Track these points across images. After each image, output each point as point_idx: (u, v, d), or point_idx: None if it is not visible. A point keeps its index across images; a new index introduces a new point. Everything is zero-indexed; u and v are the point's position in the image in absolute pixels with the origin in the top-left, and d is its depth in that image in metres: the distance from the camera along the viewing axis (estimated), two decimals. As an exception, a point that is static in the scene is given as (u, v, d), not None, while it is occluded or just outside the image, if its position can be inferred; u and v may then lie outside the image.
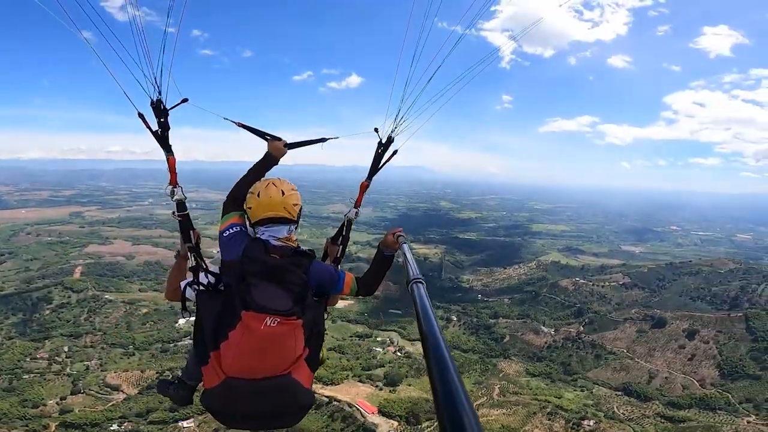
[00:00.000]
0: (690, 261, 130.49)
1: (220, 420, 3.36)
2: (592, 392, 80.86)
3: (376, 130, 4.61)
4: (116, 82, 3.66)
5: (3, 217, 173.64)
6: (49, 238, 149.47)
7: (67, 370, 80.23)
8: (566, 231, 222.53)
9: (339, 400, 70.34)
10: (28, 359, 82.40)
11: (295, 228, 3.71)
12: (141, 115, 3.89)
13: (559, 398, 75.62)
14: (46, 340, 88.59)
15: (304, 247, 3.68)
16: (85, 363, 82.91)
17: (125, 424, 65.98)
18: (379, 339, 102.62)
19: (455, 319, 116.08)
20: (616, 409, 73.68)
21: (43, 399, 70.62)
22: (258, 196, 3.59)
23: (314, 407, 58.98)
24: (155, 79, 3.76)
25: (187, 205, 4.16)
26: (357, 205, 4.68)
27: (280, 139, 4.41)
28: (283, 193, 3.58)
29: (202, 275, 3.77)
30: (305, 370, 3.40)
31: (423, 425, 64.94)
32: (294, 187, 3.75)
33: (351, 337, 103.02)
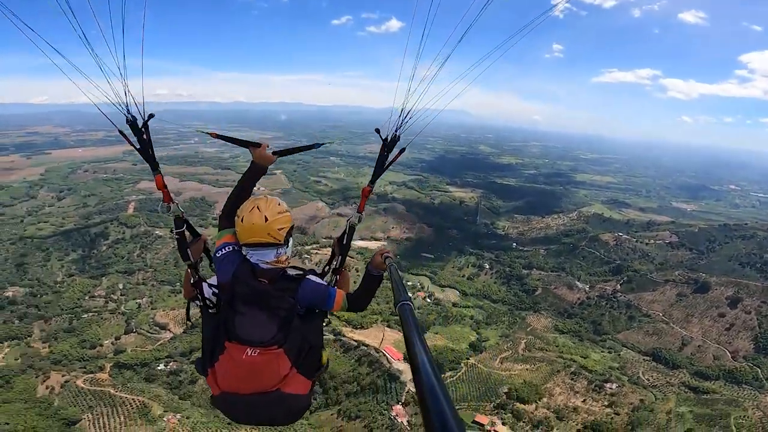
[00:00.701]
0: (745, 223, 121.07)
1: (227, 417, 3.79)
2: (619, 354, 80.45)
3: (377, 130, 4.43)
4: (95, 105, 3.83)
5: (62, 156, 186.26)
6: (105, 175, 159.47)
7: (122, 308, 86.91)
8: (613, 183, 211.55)
9: (367, 345, 73.53)
10: (86, 297, 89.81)
11: (286, 249, 3.69)
12: (122, 132, 3.86)
13: (584, 358, 75.91)
14: (103, 277, 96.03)
15: (292, 271, 3.71)
16: (137, 301, 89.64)
17: (171, 363, 72.15)
18: (410, 283, 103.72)
19: (487, 266, 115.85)
20: (641, 374, 73.29)
21: (99, 339, 77.39)
22: (242, 221, 3.56)
23: (343, 350, 63.10)
24: (125, 100, 3.81)
25: (186, 221, 4.05)
26: (360, 210, 4.65)
27: (260, 146, 4.21)
28: (266, 219, 3.51)
29: (206, 287, 3.80)
30: (298, 380, 3.56)
31: (446, 375, 67.42)
32: (282, 209, 3.65)
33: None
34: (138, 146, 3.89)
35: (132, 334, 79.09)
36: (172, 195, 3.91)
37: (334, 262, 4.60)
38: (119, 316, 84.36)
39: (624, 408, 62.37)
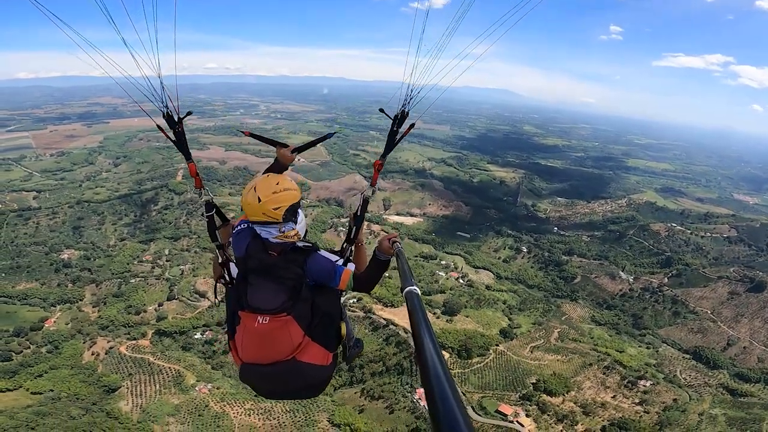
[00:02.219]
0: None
1: (254, 391, 3.95)
2: (657, 351, 77.03)
3: (381, 110, 4.55)
4: (134, 100, 4.16)
5: (119, 126, 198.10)
6: (157, 144, 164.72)
7: (166, 274, 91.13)
8: (669, 170, 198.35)
9: (396, 324, 73.85)
10: (135, 262, 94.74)
11: (291, 225, 3.82)
12: (159, 126, 4.23)
13: (620, 352, 73.12)
14: (151, 242, 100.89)
15: (301, 243, 3.82)
16: (180, 267, 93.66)
17: (207, 332, 75.46)
18: (443, 262, 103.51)
19: (525, 250, 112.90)
20: (678, 373, 70.25)
21: (144, 305, 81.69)
22: (242, 201, 3.81)
23: (372, 328, 64.00)
24: (162, 96, 4.18)
25: (213, 204, 4.35)
26: (373, 183, 4.64)
27: (287, 146, 4.67)
28: (259, 200, 3.65)
29: (233, 266, 4.08)
30: (316, 350, 3.70)
31: (473, 360, 66.98)
32: (277, 189, 3.73)
33: (416, 257, 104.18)
34: (173, 138, 4.21)
35: (174, 300, 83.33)
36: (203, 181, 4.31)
37: (350, 233, 4.63)
38: (163, 282, 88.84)
39: (655, 407, 60.13)
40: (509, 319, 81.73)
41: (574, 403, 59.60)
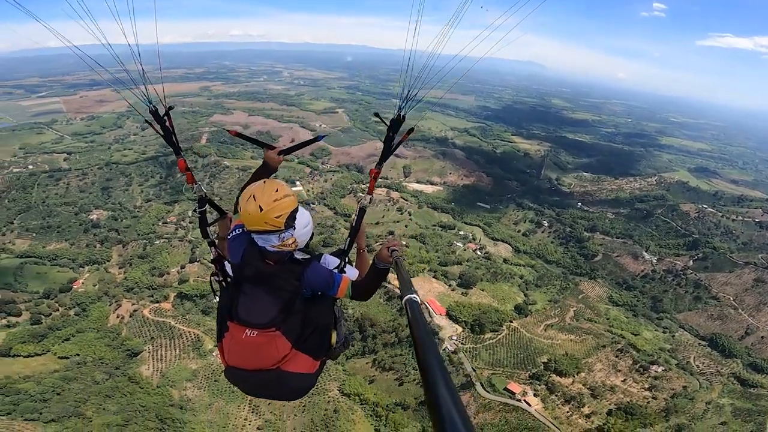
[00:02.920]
0: None
1: (240, 390, 4.01)
2: (674, 336, 75.95)
3: (376, 114, 4.50)
4: (124, 98, 4.44)
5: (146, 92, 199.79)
6: (183, 109, 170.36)
7: (189, 236, 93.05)
8: (704, 150, 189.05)
9: (410, 295, 74.56)
10: (160, 223, 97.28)
11: (290, 232, 3.67)
12: (147, 121, 4.29)
13: (635, 335, 72.45)
14: (176, 204, 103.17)
15: (299, 255, 3.82)
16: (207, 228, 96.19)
17: None
18: (461, 233, 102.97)
19: (546, 224, 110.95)
20: (692, 360, 69.30)
21: (167, 267, 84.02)
22: (241, 210, 3.64)
23: (386, 298, 64.86)
24: (146, 92, 4.32)
25: (210, 201, 4.46)
26: (369, 192, 4.64)
27: (273, 148, 4.53)
28: (261, 209, 3.50)
29: (227, 264, 4.07)
30: (302, 359, 3.71)
31: (486, 336, 67.36)
32: (279, 196, 3.57)
33: (434, 226, 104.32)
34: (161, 132, 4.26)
35: (195, 263, 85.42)
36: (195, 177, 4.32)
37: (344, 245, 4.63)
38: (186, 243, 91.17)
39: (664, 393, 59.89)
40: (525, 295, 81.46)
41: (583, 384, 59.74)
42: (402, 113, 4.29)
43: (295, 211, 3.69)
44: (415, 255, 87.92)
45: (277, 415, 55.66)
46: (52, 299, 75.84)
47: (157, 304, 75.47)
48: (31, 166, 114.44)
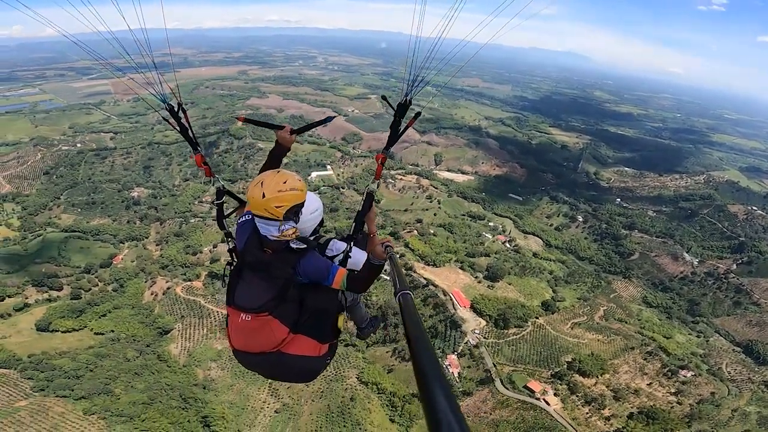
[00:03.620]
0: None
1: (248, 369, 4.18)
2: (708, 341, 72.63)
3: (383, 98, 4.55)
4: (139, 95, 4.74)
5: (188, 74, 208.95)
6: (221, 92, 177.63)
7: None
8: (758, 149, 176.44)
9: (436, 285, 74.08)
10: (196, 202, 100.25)
11: (291, 224, 3.76)
12: (164, 118, 4.51)
13: (667, 338, 69.58)
14: (212, 184, 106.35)
15: (294, 244, 3.80)
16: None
17: None
18: (491, 224, 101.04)
19: (580, 219, 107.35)
20: (723, 366, 66.28)
21: (200, 245, 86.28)
22: (248, 191, 3.80)
23: (412, 287, 65.37)
24: (161, 89, 4.54)
25: (228, 191, 4.69)
26: (377, 177, 4.70)
27: (283, 128, 4.66)
28: (264, 196, 3.64)
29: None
30: (305, 342, 3.83)
31: (510, 331, 66.23)
32: (284, 189, 3.68)
33: (463, 216, 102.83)
34: (178, 128, 4.40)
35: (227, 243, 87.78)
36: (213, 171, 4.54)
37: (350, 230, 4.70)
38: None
39: (690, 398, 57.77)
40: (553, 291, 79.40)
41: (606, 386, 58.19)
42: (408, 98, 4.28)
43: (299, 206, 3.77)
44: (443, 245, 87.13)
45: (295, 399, 57.22)
46: (92, 274, 79.80)
47: (189, 283, 78.04)
48: (79, 144, 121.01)
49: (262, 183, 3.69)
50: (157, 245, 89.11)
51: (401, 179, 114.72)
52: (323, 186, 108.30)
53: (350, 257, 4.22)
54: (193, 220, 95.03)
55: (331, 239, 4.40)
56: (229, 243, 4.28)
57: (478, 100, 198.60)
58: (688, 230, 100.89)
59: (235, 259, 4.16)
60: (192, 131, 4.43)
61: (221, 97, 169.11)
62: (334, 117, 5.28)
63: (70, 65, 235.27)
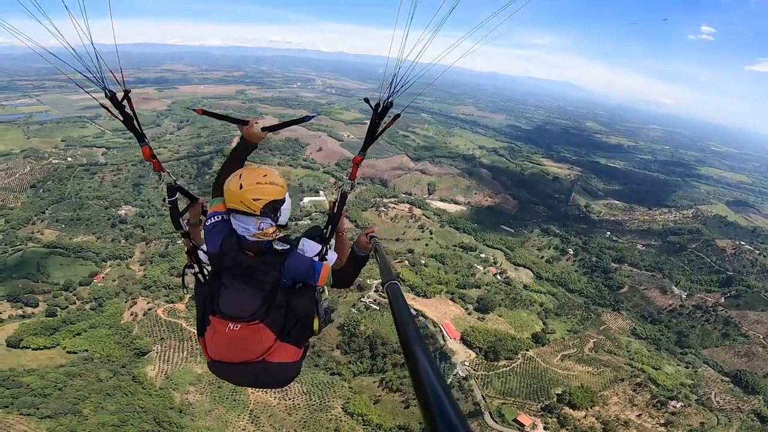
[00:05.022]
0: None
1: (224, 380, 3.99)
2: (696, 371, 72.49)
3: (366, 100, 4.22)
4: (77, 83, 3.94)
5: (187, 92, 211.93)
6: (218, 111, 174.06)
7: None
8: (745, 183, 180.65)
9: (426, 317, 72.97)
10: (184, 223, 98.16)
11: (269, 222, 3.55)
12: (103, 106, 3.91)
13: (656, 369, 69.18)
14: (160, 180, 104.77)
15: (278, 245, 3.62)
16: None
17: None
18: (482, 255, 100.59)
19: (571, 252, 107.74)
20: (712, 396, 66.19)
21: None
22: (225, 185, 3.58)
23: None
24: (101, 75, 3.83)
25: (179, 188, 4.20)
26: (352, 177, 4.37)
27: (247, 123, 4.18)
28: (241, 187, 3.45)
29: (201, 254, 3.86)
30: (286, 349, 3.64)
31: (500, 363, 65.19)
32: (262, 181, 3.49)
33: (455, 246, 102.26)
34: (121, 118, 3.85)
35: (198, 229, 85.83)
36: (162, 164, 4.04)
37: (326, 231, 4.43)
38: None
39: (680, 429, 57.58)
40: (543, 324, 78.77)
41: (596, 418, 57.34)
42: (390, 99, 4.10)
43: (279, 202, 3.58)
44: (434, 275, 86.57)
45: (277, 429, 54.91)
46: (70, 292, 77.35)
47: (171, 304, 75.90)
48: (69, 158, 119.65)
49: (240, 175, 3.54)
50: (141, 265, 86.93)
51: (394, 208, 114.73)
52: (315, 212, 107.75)
53: (326, 259, 3.89)
54: (180, 241, 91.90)
55: (300, 238, 4.02)
56: (187, 244, 4.03)
57: (472, 128, 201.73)
58: (677, 264, 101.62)
59: (198, 262, 3.90)
60: (138, 121, 3.94)
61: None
62: (314, 117, 4.92)
63: (70, 76, 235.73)
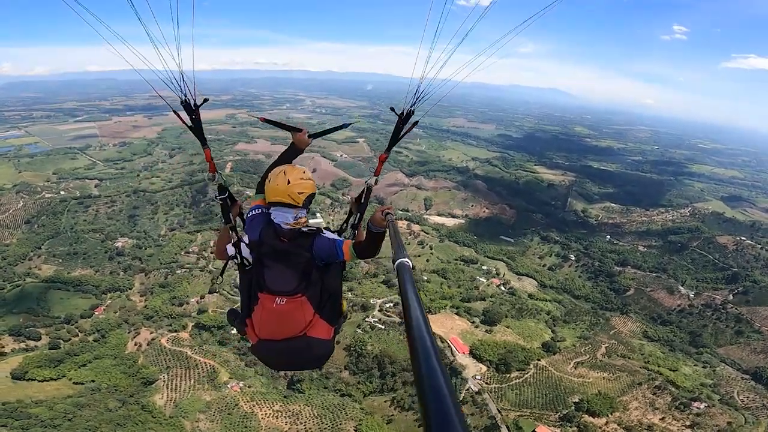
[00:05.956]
0: None
1: (266, 365, 4.60)
2: (714, 371, 71.23)
3: (392, 109, 4.88)
4: (155, 90, 4.45)
5: (176, 118, 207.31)
6: (209, 136, 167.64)
7: (210, 266, 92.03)
8: (737, 178, 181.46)
9: (433, 333, 71.35)
10: (182, 252, 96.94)
11: (306, 212, 4.21)
12: (176, 112, 4.53)
13: (673, 371, 67.84)
14: (198, 233, 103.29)
15: (306, 229, 4.14)
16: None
17: None
18: (484, 267, 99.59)
19: (573, 258, 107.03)
20: (735, 395, 64.84)
21: (187, 296, 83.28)
22: (269, 182, 4.13)
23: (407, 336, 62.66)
24: (181, 82, 4.42)
25: (225, 187, 4.61)
26: (376, 173, 4.91)
27: (301, 131, 5.04)
28: (289, 182, 4.02)
29: (243, 247, 4.22)
30: (322, 325, 4.14)
31: (512, 375, 63.70)
32: (305, 177, 4.17)
33: (456, 260, 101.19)
34: (190, 125, 4.57)
35: (215, 294, 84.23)
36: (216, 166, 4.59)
37: (352, 219, 4.90)
38: (207, 274, 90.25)
39: (707, 430, 55.68)
40: (552, 332, 77.54)
41: (618, 424, 55.73)
42: (412, 108, 4.67)
43: (313, 195, 4.21)
44: (437, 291, 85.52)
45: (289, 455, 53.07)
46: (72, 325, 76.09)
47: (175, 334, 74.65)
48: (62, 192, 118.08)
49: (284, 172, 4.10)
50: (141, 296, 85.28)
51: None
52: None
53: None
54: (179, 271, 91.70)
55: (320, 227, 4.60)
56: (233, 237, 4.37)
57: (464, 140, 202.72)
58: (681, 263, 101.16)
59: (242, 255, 4.22)
60: (202, 128, 4.63)
61: (209, 143, 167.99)
62: (351, 124, 5.95)
63: (57, 106, 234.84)
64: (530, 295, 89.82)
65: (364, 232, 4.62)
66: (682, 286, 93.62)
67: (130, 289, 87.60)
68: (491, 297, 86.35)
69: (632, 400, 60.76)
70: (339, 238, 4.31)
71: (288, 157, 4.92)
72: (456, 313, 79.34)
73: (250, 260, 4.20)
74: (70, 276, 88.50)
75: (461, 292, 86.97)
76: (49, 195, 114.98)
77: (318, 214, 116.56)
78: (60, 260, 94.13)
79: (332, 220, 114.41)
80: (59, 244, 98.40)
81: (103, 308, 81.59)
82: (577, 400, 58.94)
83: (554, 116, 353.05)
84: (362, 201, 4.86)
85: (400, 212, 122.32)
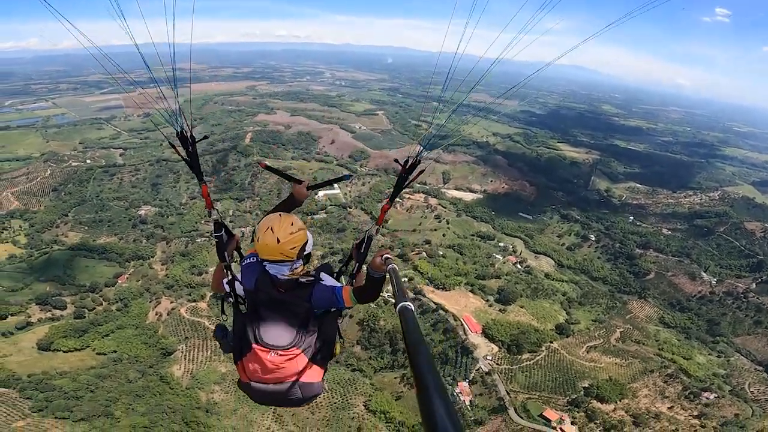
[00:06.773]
0: None
1: (252, 401, 4.34)
2: (728, 360, 70.16)
3: (396, 161, 4.85)
4: (154, 124, 4.74)
5: (198, 89, 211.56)
6: (230, 107, 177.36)
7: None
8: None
9: (446, 310, 71.84)
10: (202, 221, 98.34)
11: (301, 262, 4.16)
12: (171, 144, 4.46)
13: (687, 359, 67.11)
14: (218, 202, 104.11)
15: (304, 279, 4.08)
16: (242, 229, 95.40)
17: None
18: (501, 244, 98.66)
19: (593, 238, 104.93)
20: (746, 386, 63.90)
21: (206, 265, 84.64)
22: (258, 241, 3.97)
23: (420, 312, 62.49)
24: (177, 113, 4.51)
25: (221, 223, 4.64)
26: (378, 223, 4.87)
27: (301, 182, 5.04)
28: (279, 241, 3.88)
29: (238, 285, 4.32)
30: (314, 370, 4.10)
31: (523, 356, 63.94)
32: (294, 230, 3.96)
33: (473, 236, 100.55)
34: (186, 158, 4.44)
35: (233, 263, 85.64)
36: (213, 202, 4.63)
37: (352, 268, 4.89)
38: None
39: (713, 421, 55.18)
40: (567, 314, 77.10)
41: (626, 411, 55.83)
42: (418, 158, 4.58)
43: (306, 243, 4.10)
44: (452, 267, 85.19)
45: (300, 428, 54.99)
46: (97, 293, 78.99)
47: (193, 303, 76.90)
48: (89, 161, 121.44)
49: (272, 229, 3.89)
50: (162, 264, 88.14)
51: (409, 198, 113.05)
52: (330, 205, 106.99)
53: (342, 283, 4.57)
54: (199, 240, 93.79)
55: (318, 270, 4.64)
56: (227, 275, 4.39)
57: (485, 115, 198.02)
58: (705, 249, 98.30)
59: (236, 294, 4.33)
60: (198, 162, 4.51)
61: (230, 113, 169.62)
62: (351, 176, 5.59)
63: (83, 79, 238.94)
64: (546, 275, 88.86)
65: (362, 275, 4.71)
66: (704, 272, 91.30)
67: (152, 257, 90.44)
68: (507, 275, 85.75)
69: (642, 387, 60.59)
70: (338, 284, 4.29)
71: (286, 207, 4.84)
72: (470, 291, 79.37)
73: (244, 299, 4.24)
74: (96, 243, 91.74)
75: (476, 268, 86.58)
76: (76, 164, 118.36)
77: (336, 185, 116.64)
78: (86, 227, 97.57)
79: (349, 192, 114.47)
80: (85, 212, 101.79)
81: (126, 276, 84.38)
82: (586, 385, 59.09)
83: (581, 94, 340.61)
84: (362, 250, 4.76)
85: (418, 185, 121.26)
